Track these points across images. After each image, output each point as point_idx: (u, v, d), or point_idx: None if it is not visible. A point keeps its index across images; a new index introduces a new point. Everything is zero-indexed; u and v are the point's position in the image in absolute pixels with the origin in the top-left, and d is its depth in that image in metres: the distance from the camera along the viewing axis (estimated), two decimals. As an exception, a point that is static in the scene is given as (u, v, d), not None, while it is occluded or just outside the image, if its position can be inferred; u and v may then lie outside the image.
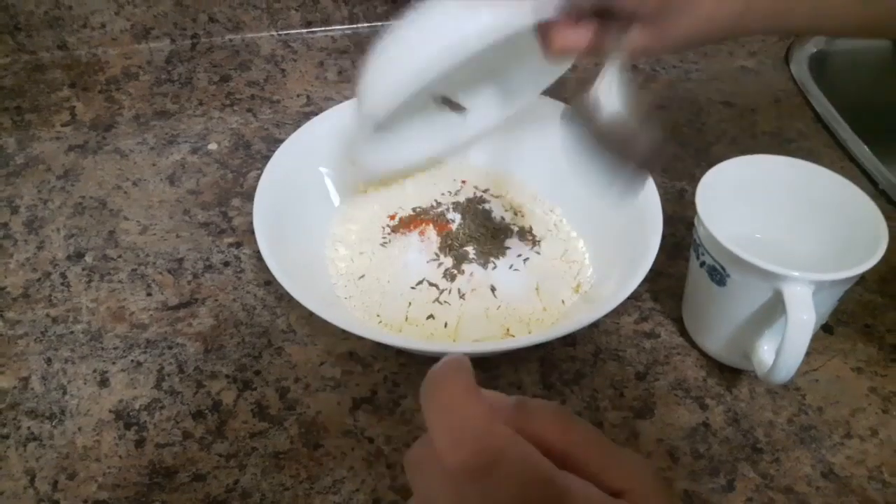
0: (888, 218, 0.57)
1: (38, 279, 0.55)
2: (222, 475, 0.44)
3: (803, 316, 0.41)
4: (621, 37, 0.45)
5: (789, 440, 0.46)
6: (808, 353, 0.50)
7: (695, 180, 0.63)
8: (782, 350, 0.42)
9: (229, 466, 0.45)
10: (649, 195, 0.51)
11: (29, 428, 0.47)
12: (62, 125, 0.67)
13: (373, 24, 0.79)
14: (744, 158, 0.50)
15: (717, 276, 0.45)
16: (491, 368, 0.50)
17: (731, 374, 0.50)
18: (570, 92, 0.58)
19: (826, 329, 0.52)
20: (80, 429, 0.47)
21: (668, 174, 0.63)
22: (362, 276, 0.53)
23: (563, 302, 0.51)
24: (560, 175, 0.57)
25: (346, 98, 0.68)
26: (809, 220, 0.49)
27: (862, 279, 0.55)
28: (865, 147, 0.66)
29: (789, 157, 0.50)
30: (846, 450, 0.46)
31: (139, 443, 0.46)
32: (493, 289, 0.52)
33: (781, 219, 0.50)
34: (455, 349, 0.48)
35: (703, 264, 0.46)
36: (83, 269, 0.56)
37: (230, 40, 0.76)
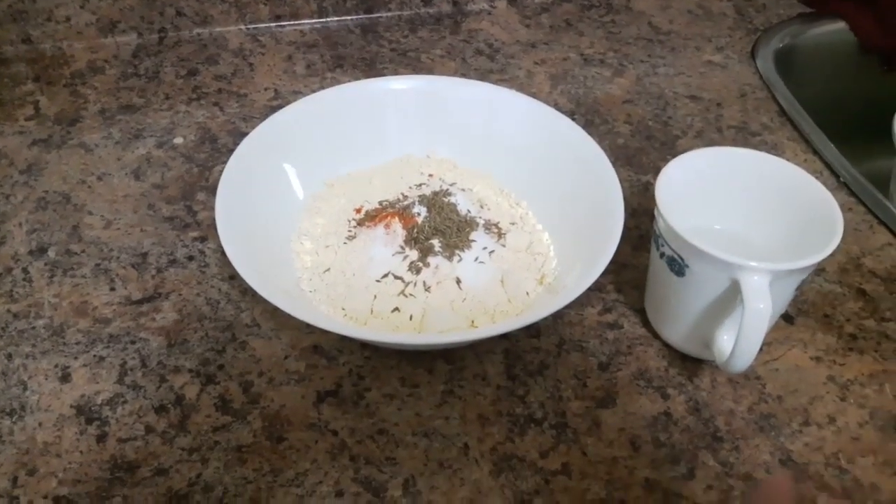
0: (848, 209, 0.57)
1: (0, 274, 0.54)
2: (185, 469, 0.44)
3: (760, 305, 0.41)
4: None
5: (749, 428, 0.47)
6: (768, 343, 0.51)
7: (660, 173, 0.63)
8: (740, 339, 0.42)
9: (192, 460, 0.45)
10: (611, 188, 0.51)
11: (-12, 424, 0.46)
12: (26, 119, 0.67)
13: (342, 17, 0.79)
14: (703, 151, 0.51)
15: (677, 266, 0.46)
16: (456, 360, 0.50)
17: (692, 364, 0.50)
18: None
19: (786, 319, 0.53)
20: (40, 424, 0.46)
21: (634, 167, 0.64)
22: (327, 270, 0.53)
23: (527, 293, 0.51)
24: (526, 169, 0.58)
25: (315, 92, 0.69)
26: (768, 212, 0.50)
27: (821, 270, 0.56)
28: (828, 141, 0.67)
29: (748, 149, 0.51)
30: (804, 437, 0.46)
31: (101, 438, 0.46)
32: (458, 281, 0.52)
33: (740, 210, 0.51)
34: (419, 341, 0.48)
35: (662, 255, 0.47)
36: (46, 264, 0.55)
37: (198, 34, 0.76)
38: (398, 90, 0.60)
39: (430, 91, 0.60)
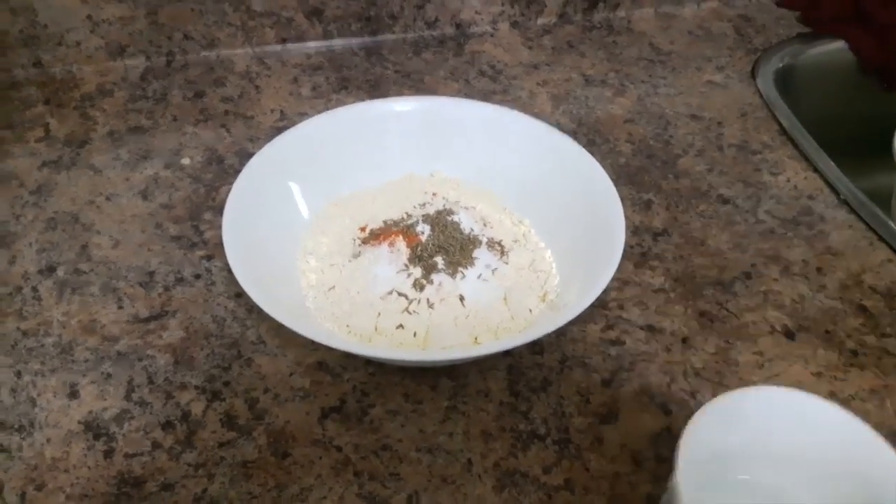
0: (849, 227, 0.58)
1: (10, 293, 0.55)
2: (191, 484, 0.45)
3: None
4: None
5: (751, 444, 0.47)
6: (769, 359, 0.52)
7: (661, 191, 0.64)
8: None
9: (198, 476, 0.45)
10: (612, 206, 0.52)
11: (-3, 440, 0.47)
12: (36, 141, 0.68)
13: (347, 40, 0.80)
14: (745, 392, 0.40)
15: None
16: (459, 377, 0.50)
17: (695, 380, 0.51)
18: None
19: (787, 335, 0.53)
20: (48, 440, 0.47)
21: (635, 186, 0.65)
22: (332, 288, 0.53)
23: (530, 311, 0.52)
24: (529, 187, 0.59)
25: (319, 113, 0.70)
26: (815, 469, 0.41)
27: (822, 287, 0.57)
28: (829, 158, 0.68)
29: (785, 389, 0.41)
30: (806, 452, 0.47)
31: (108, 453, 0.46)
32: (461, 298, 0.52)
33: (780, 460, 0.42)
34: (423, 357, 0.49)
35: None
36: (55, 283, 0.56)
37: (205, 57, 0.77)
38: (402, 111, 0.61)
39: (434, 111, 0.61)
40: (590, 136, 0.70)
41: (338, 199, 0.59)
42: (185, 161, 0.66)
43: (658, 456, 0.46)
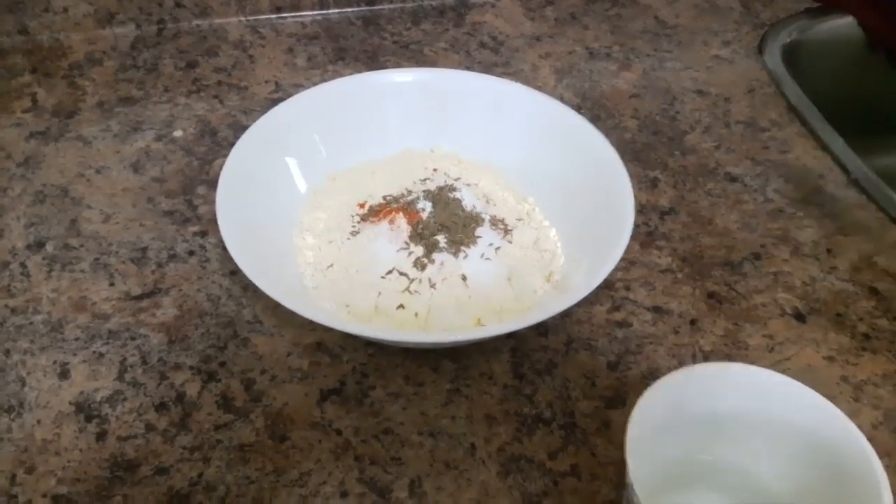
0: (860, 208, 0.56)
1: (-3, 269, 0.53)
2: (186, 468, 0.43)
3: None
4: None
5: (760, 429, 0.46)
6: (780, 343, 0.51)
7: (668, 168, 0.63)
8: None
9: (193, 459, 0.44)
10: (620, 184, 0.50)
11: (-15, 422, 0.45)
12: (23, 111, 0.65)
13: (343, 10, 0.77)
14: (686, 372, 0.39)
15: None
16: (462, 358, 0.49)
17: (703, 363, 0.49)
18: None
19: (798, 318, 0.52)
20: (38, 422, 0.45)
21: (641, 163, 0.63)
22: (331, 266, 0.52)
23: (534, 291, 0.50)
24: (533, 164, 0.57)
25: (316, 84, 0.67)
26: (776, 443, 0.40)
27: (833, 268, 0.55)
28: (838, 136, 0.66)
29: (746, 366, 0.41)
30: (817, 438, 0.46)
31: (100, 436, 0.45)
32: (464, 278, 0.51)
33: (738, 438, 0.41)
34: (425, 339, 0.47)
35: None
36: (43, 259, 0.54)
37: (197, 26, 0.75)
38: (401, 83, 0.59)
39: (434, 84, 0.59)
40: (594, 110, 0.68)
41: (335, 173, 0.57)
42: (178, 133, 0.64)
43: (666, 441, 0.45)
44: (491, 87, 0.59)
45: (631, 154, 0.64)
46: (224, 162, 0.50)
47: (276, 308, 0.51)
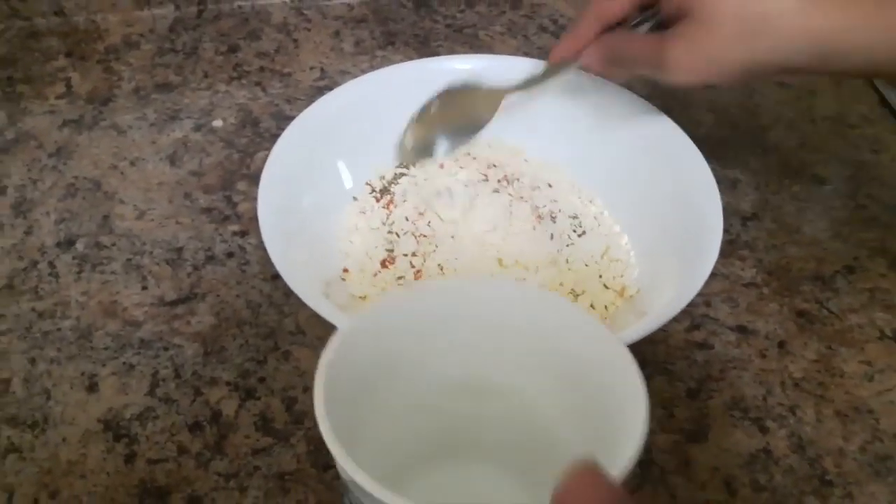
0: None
1: (25, 268, 0.50)
2: (221, 498, 0.40)
3: None
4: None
5: (862, 472, 0.41)
6: (880, 370, 0.45)
7: (749, 168, 0.57)
8: None
9: (229, 488, 0.40)
10: (706, 187, 0.45)
11: (9, 437, 0.42)
12: (56, 98, 0.62)
13: (394, -9, 0.73)
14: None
15: None
16: (523, 381, 0.44)
17: (794, 392, 0.44)
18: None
19: (901, 342, 0.47)
20: (64, 440, 0.42)
21: (718, 161, 0.57)
22: (377, 274, 0.47)
23: (605, 307, 0.45)
24: (600, 161, 0.52)
25: (363, 72, 0.63)
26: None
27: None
28: (937, 135, 0.60)
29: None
30: (928, 484, 0.40)
31: (129, 458, 0.41)
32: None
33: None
34: None
35: None
36: (73, 258, 0.50)
37: (239, 7, 0.70)
38: (462, 71, 0.54)
39: (495, 72, 0.54)
40: (666, 102, 0.62)
41: (386, 170, 0.53)
42: (217, 123, 0.60)
43: (755, 483, 0.40)
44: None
45: (707, 151, 0.57)
46: (266, 155, 0.46)
47: (319, 317, 0.47)
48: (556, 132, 0.53)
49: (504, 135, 0.53)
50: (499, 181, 0.51)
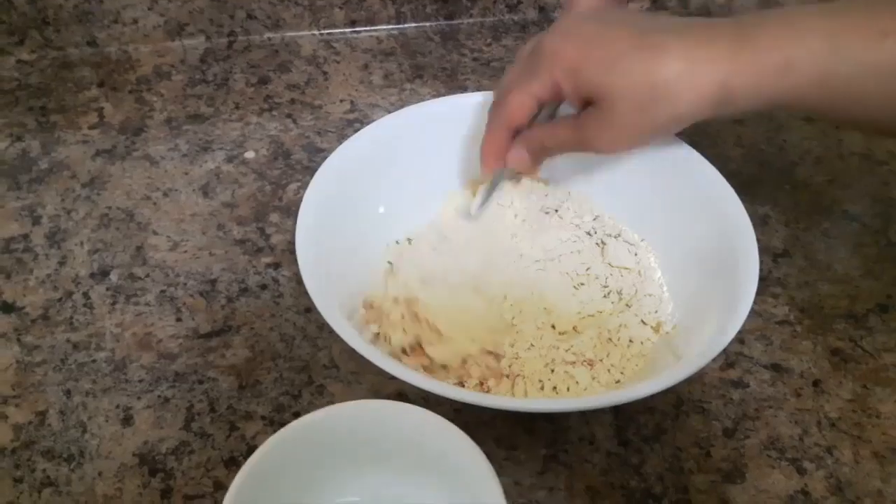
0: None
1: (59, 299, 0.50)
2: (257, 535, 0.39)
3: None
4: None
5: (903, 515, 0.40)
6: (919, 411, 0.45)
7: (778, 204, 0.57)
8: None
9: (265, 525, 0.40)
10: (741, 225, 0.45)
11: (44, 471, 0.42)
12: (89, 128, 0.63)
13: (420, 23, 0.73)
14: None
15: None
16: (560, 419, 0.44)
17: (831, 432, 0.44)
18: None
19: (938, 382, 0.46)
20: (100, 474, 0.42)
21: (749, 197, 0.57)
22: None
23: (641, 343, 0.45)
24: (632, 195, 0.52)
25: (392, 105, 0.64)
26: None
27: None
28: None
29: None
30: (970, 529, 0.40)
31: (165, 493, 0.41)
32: (552, 327, 0.46)
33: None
34: (517, 407, 0.42)
35: None
36: (107, 289, 0.51)
37: (269, 39, 0.71)
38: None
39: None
40: (693, 137, 0.62)
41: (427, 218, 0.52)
42: (250, 154, 0.60)
43: (794, 525, 0.40)
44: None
45: (736, 187, 0.57)
46: (298, 186, 0.46)
47: (353, 352, 0.47)
48: (590, 168, 0.53)
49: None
50: (546, 213, 0.52)
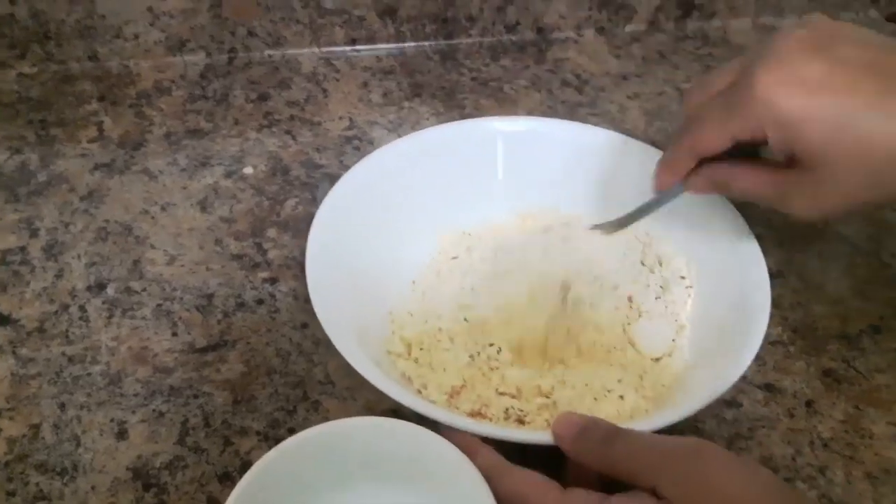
0: None
1: (55, 312, 0.50)
2: (250, 551, 0.39)
3: None
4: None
5: (895, 536, 0.41)
6: (911, 433, 0.45)
7: (772, 226, 0.58)
8: None
9: (258, 540, 0.40)
10: (747, 252, 0.47)
11: (38, 484, 0.42)
12: (89, 141, 0.63)
13: (420, 43, 0.74)
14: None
15: None
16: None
17: (823, 453, 0.44)
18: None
19: (930, 404, 0.47)
20: (93, 488, 0.42)
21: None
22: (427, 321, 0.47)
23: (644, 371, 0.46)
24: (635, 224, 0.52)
25: (391, 122, 0.64)
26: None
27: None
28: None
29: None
30: (962, 551, 0.40)
31: (158, 508, 0.41)
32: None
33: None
34: (517, 437, 0.41)
35: None
36: (104, 303, 0.51)
37: (269, 56, 0.72)
38: (508, 132, 0.55)
39: (545, 135, 0.55)
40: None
41: (445, 233, 0.53)
42: (248, 170, 0.60)
43: (787, 546, 0.40)
44: (604, 140, 0.54)
45: (730, 208, 0.59)
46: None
47: (348, 367, 0.47)
48: (602, 198, 0.54)
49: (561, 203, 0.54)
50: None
